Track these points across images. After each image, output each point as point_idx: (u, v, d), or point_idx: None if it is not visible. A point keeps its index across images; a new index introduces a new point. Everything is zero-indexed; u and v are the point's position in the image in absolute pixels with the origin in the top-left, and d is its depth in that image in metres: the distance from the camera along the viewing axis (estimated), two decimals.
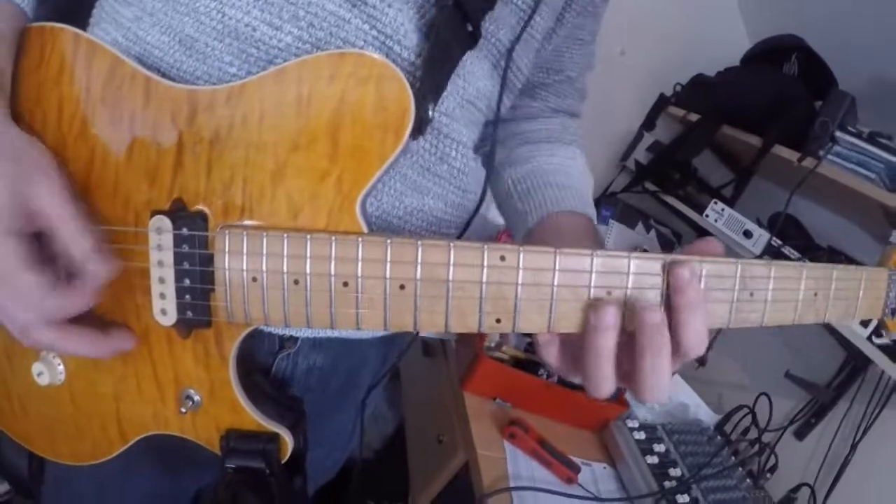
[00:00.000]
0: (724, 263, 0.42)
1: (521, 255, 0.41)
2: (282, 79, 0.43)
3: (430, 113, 0.46)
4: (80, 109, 0.44)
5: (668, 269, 0.41)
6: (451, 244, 0.41)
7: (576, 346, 0.43)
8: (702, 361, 1.57)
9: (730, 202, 1.66)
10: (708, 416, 1.42)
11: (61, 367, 0.47)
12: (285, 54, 0.45)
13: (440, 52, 0.47)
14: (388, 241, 0.41)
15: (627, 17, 1.76)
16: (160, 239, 0.43)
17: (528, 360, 1.28)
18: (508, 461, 1.10)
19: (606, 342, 0.40)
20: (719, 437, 1.32)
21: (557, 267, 0.41)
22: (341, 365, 0.62)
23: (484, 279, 0.41)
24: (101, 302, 0.45)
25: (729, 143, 1.67)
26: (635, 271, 0.42)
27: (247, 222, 0.44)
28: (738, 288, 0.42)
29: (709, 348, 1.61)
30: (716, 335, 1.50)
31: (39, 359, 0.47)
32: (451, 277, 0.41)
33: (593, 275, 0.42)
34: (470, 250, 0.41)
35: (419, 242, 0.41)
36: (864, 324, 1.08)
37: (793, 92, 1.41)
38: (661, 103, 1.86)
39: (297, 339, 0.57)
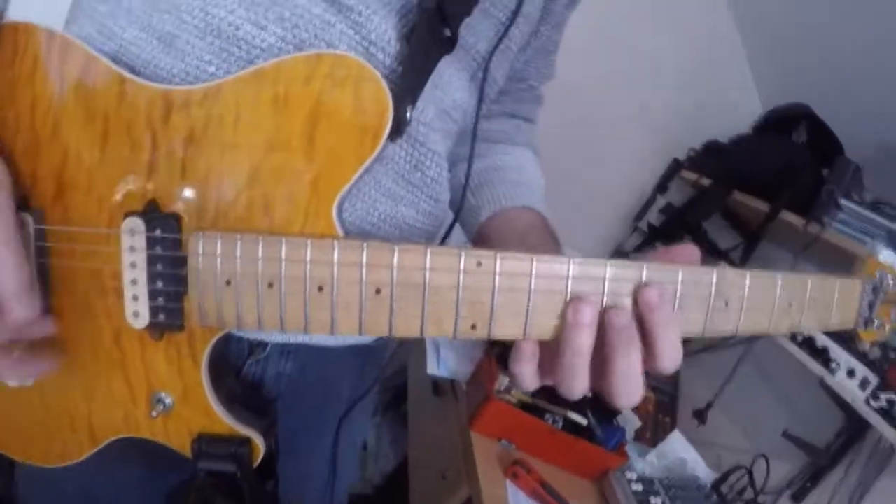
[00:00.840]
0: (700, 272, 0.42)
1: (498, 261, 0.41)
2: (258, 79, 0.42)
3: (408, 115, 0.46)
4: (54, 109, 0.43)
5: (636, 293, 0.41)
6: (428, 249, 0.41)
7: (547, 349, 0.43)
8: (702, 419, 1.58)
9: (738, 265, 1.70)
10: (705, 474, 1.43)
11: None
12: (267, 54, 0.45)
13: (419, 54, 0.47)
14: (364, 244, 0.41)
15: (644, 85, 1.85)
16: (133, 241, 0.42)
17: (534, 405, 1.33)
18: (510, 499, 1.14)
19: (583, 340, 0.40)
20: (715, 496, 1.33)
21: (534, 273, 0.41)
22: (311, 373, 0.61)
23: (460, 284, 0.41)
24: (73, 302, 0.45)
25: (738, 207, 1.72)
26: (611, 278, 0.42)
27: (221, 224, 0.43)
28: (713, 296, 0.42)
29: (710, 406, 1.60)
30: (717, 393, 1.51)
31: None
32: (427, 282, 0.41)
33: (570, 281, 0.41)
34: (446, 255, 0.41)
35: (395, 247, 0.41)
36: (863, 386, 1.10)
37: (800, 160, 1.48)
38: (675, 167, 1.92)
39: (266, 344, 0.56)
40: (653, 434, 1.62)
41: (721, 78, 1.87)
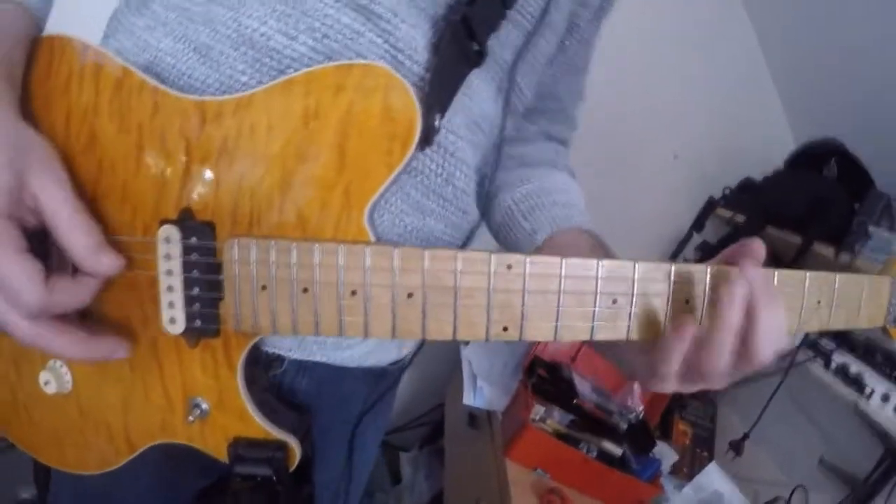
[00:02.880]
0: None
1: (528, 264, 0.42)
2: (289, 90, 0.43)
3: (437, 123, 0.47)
4: (88, 120, 0.44)
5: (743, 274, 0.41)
6: (458, 253, 0.42)
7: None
8: (738, 451, 1.58)
9: None
10: None
11: (68, 377, 0.47)
12: (298, 64, 0.46)
13: (447, 65, 0.48)
14: (396, 249, 0.42)
15: (681, 125, 1.88)
16: (169, 248, 0.43)
17: (569, 435, 1.33)
18: None
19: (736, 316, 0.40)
20: None
21: (563, 274, 0.42)
22: (326, 392, 0.61)
23: (491, 287, 0.42)
24: (109, 310, 0.45)
25: (772, 241, 1.73)
26: (640, 277, 0.42)
27: (254, 231, 0.44)
28: None
29: (746, 437, 1.56)
30: (753, 425, 1.51)
31: (46, 368, 0.47)
32: (458, 285, 0.42)
33: (599, 281, 0.42)
34: (477, 259, 0.42)
35: (426, 251, 0.41)
36: None
37: (831, 194, 1.50)
38: (711, 206, 1.94)
39: (283, 359, 0.56)
40: (690, 468, 1.60)
41: (754, 116, 1.91)
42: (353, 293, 0.42)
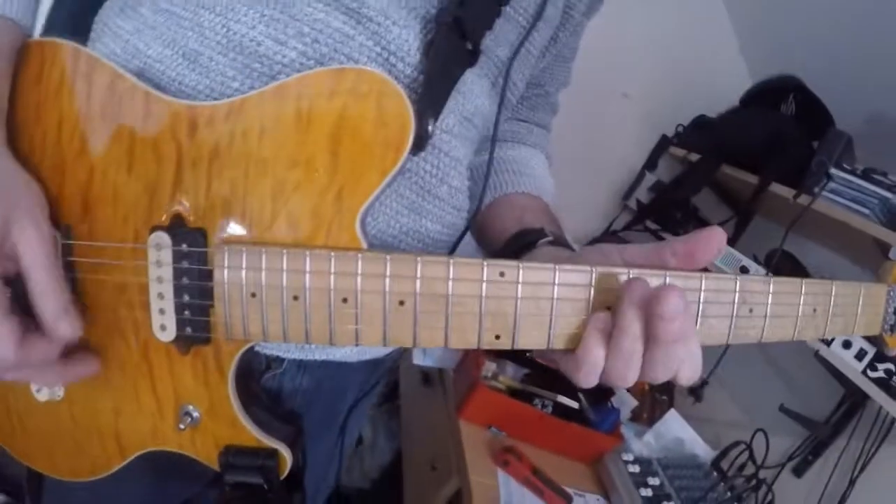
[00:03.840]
0: (723, 279, 0.42)
1: (521, 271, 0.41)
2: (282, 94, 0.43)
3: (430, 128, 0.46)
4: (80, 125, 0.44)
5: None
6: (451, 260, 0.41)
7: None
8: (698, 397, 1.55)
9: (731, 241, 1.63)
10: (704, 452, 1.41)
11: None
12: (289, 69, 0.45)
13: (440, 68, 0.47)
14: (388, 256, 0.41)
15: (631, 60, 1.81)
16: (159, 255, 0.43)
17: (523, 390, 1.30)
18: (501, 489, 1.11)
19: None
20: (715, 473, 1.31)
21: (557, 282, 0.41)
22: (325, 387, 0.61)
23: (483, 294, 0.41)
24: (101, 317, 0.45)
25: (728, 181, 1.69)
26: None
27: (246, 238, 0.43)
28: (737, 303, 0.42)
29: (705, 383, 1.53)
30: (712, 370, 1.49)
31: None
32: (450, 293, 0.41)
33: (592, 289, 0.42)
34: (469, 266, 0.41)
35: (419, 258, 0.41)
36: (860, 357, 1.07)
37: (789, 132, 1.45)
38: (664, 144, 1.89)
39: (283, 359, 0.56)
40: (650, 413, 1.58)
41: (708, 52, 1.84)
42: (345, 300, 0.42)
